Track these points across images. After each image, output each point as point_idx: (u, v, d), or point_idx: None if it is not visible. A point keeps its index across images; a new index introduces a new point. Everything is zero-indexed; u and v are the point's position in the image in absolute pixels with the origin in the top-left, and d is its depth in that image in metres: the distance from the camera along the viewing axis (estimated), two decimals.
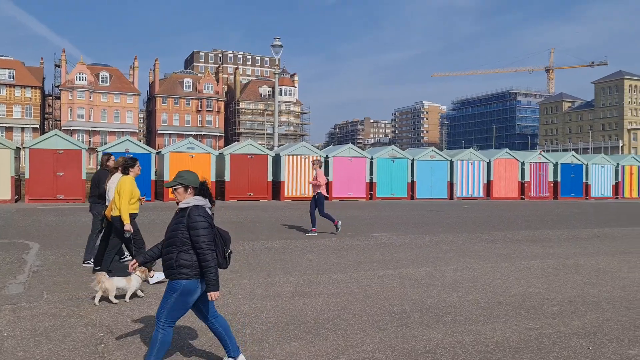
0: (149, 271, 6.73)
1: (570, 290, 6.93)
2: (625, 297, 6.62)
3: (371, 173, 24.50)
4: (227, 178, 21.97)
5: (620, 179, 29.97)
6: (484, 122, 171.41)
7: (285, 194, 22.86)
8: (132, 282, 6.13)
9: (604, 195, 29.37)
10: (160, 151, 22.74)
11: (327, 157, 23.76)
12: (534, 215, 18.13)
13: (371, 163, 24.53)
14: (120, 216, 6.85)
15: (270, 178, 22.79)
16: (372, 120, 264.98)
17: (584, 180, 28.89)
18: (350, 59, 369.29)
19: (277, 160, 23.23)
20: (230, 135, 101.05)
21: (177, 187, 3.93)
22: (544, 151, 44.70)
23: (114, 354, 4.38)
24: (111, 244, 7.17)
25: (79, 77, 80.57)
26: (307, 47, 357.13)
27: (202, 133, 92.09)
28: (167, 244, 3.89)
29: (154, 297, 6.24)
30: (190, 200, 3.90)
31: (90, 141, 78.41)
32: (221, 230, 4.04)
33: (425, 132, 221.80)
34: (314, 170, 12.72)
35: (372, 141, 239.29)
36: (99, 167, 8.73)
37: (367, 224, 14.49)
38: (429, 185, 25.57)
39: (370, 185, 24.48)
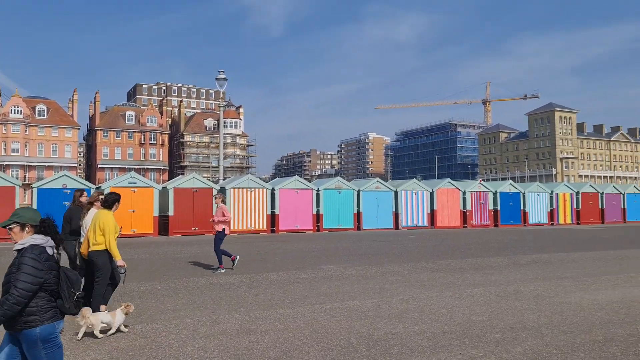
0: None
1: (512, 317, 7.10)
2: (562, 322, 6.84)
3: (318, 205, 24.59)
4: (170, 212, 21.47)
5: (554, 206, 31.35)
6: (426, 153, 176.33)
7: (232, 227, 22.53)
8: (116, 317, 6.15)
9: (540, 222, 30.59)
10: (100, 186, 22.02)
11: (273, 189, 23.69)
12: (476, 243, 18.62)
13: (318, 195, 24.63)
14: (97, 251, 6.75)
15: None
16: (318, 152, 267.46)
17: (522, 207, 30.04)
18: (295, 92, 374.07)
19: (222, 193, 22.91)
20: (175, 168, 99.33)
21: (12, 226, 3.45)
22: (483, 180, 46.33)
23: None
24: (102, 283, 6.86)
25: (14, 110, 77.48)
26: (253, 79, 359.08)
27: (146, 167, 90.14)
28: (3, 293, 3.32)
29: (134, 333, 5.95)
30: (27, 240, 3.41)
31: (25, 177, 75.06)
32: (69, 272, 3.54)
33: (370, 163, 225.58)
34: (216, 205, 11.88)
35: (319, 172, 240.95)
36: (71, 203, 8.50)
37: (314, 256, 14.43)
38: (374, 215, 25.88)
39: (317, 217, 24.53)
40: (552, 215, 31.22)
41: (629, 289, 9.31)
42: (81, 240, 7.30)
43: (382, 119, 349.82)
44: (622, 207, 34.18)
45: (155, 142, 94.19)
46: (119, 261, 6.73)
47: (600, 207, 33.22)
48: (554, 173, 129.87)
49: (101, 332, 5.99)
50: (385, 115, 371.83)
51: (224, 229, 11.74)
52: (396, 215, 26.44)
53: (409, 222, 26.69)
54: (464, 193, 28.21)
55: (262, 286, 9.49)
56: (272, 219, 23.58)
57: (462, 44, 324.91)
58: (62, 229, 7.94)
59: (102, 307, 6.78)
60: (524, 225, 29.67)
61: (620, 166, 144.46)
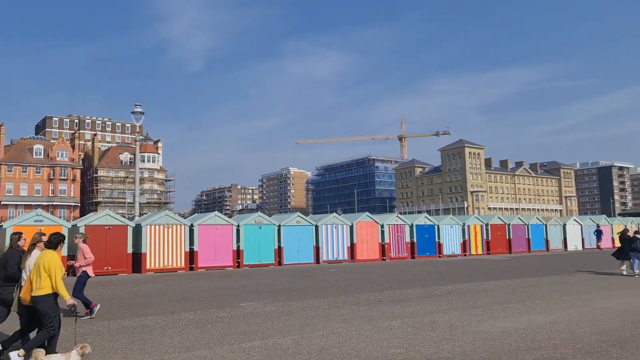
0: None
1: (428, 348, 7.28)
2: (475, 350, 7.11)
3: (238, 240, 24.23)
4: None
5: (467, 238, 32.82)
6: (346, 187, 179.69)
7: (148, 266, 21.65)
8: (71, 358, 5.96)
9: (454, 253, 31.85)
10: (2, 225, 20.53)
11: (192, 225, 23.12)
12: (394, 276, 19.04)
13: (238, 230, 24.30)
14: (42, 296, 6.36)
15: (130, 250, 21.51)
16: (239, 187, 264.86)
17: (437, 239, 31.18)
18: (216, 126, 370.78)
19: (138, 230, 22.08)
20: (88, 205, 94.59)
21: None
22: (400, 213, 47.75)
23: None
24: (48, 330, 6.42)
25: None
26: (172, 113, 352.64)
27: (55, 203, 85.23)
28: None
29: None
30: None
31: None
32: None
33: (292, 197, 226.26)
34: (78, 246, 10.84)
35: (240, 207, 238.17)
36: (7, 248, 7.82)
37: (234, 294, 14.14)
38: (296, 250, 25.85)
39: (238, 253, 24.14)
40: (464, 246, 32.63)
41: (534, 316, 9.86)
42: (22, 284, 6.82)
43: (303, 153, 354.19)
44: (526, 237, 36.36)
45: (65, 178, 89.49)
46: (69, 300, 6.46)
47: (507, 237, 35.16)
48: (466, 206, 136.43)
49: None
50: (306, 150, 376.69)
51: (85, 272, 10.71)
52: (317, 250, 26.56)
53: (330, 256, 26.89)
54: (382, 226, 28.91)
55: (179, 327, 9.14)
56: (191, 256, 22.93)
57: (379, 82, 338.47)
58: None
59: (21, 352, 6.37)
60: (439, 257, 30.76)
61: (524, 199, 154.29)
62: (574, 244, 39.48)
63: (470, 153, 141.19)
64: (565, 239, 38.97)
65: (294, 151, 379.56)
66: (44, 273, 6.40)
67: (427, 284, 15.92)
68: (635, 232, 19.31)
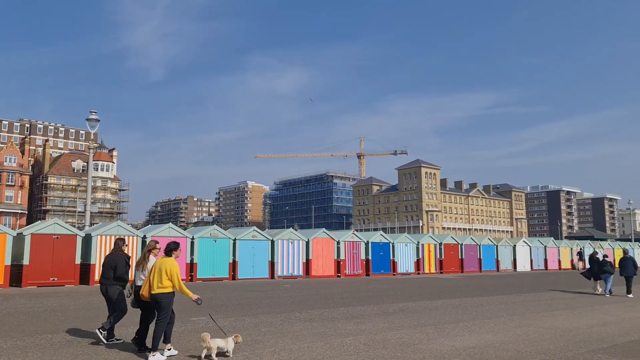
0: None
1: None
2: None
3: (192, 253, 23.83)
4: (25, 261, 19.52)
5: (420, 256, 33.31)
6: (304, 202, 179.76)
7: (96, 278, 20.97)
8: (228, 343, 7.73)
9: (407, 271, 32.25)
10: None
11: (144, 237, 22.60)
12: (348, 293, 19.09)
13: (192, 243, 23.91)
14: (164, 293, 7.64)
15: (78, 261, 20.82)
16: (195, 199, 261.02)
17: (392, 257, 31.51)
18: (174, 137, 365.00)
19: (87, 240, 21.42)
20: (36, 212, 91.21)
21: None
22: (357, 230, 48.06)
23: None
24: (162, 322, 7.73)
25: None
26: (130, 122, 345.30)
27: (0, 210, 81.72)
28: None
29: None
30: None
31: None
32: None
33: (249, 211, 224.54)
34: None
35: (196, 220, 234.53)
36: (112, 251, 9.10)
37: (185, 308, 13.84)
38: (250, 265, 25.61)
39: (191, 266, 23.72)
40: (418, 264, 33.09)
41: (483, 335, 10.07)
42: (138, 283, 8.08)
43: (262, 168, 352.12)
44: (478, 257, 37.22)
45: (13, 184, 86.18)
46: (193, 296, 7.75)
47: (460, 257, 35.88)
48: (421, 224, 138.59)
49: (217, 355, 7.50)
50: (265, 164, 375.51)
51: None
52: (272, 265, 26.39)
53: (285, 272, 26.75)
54: (338, 243, 29.01)
55: (119, 345, 8.87)
56: None
57: (340, 100, 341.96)
58: (103, 274, 8.75)
59: (166, 345, 7.84)
60: (393, 275, 31.06)
61: (477, 219, 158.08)
62: (523, 265, 40.65)
63: (426, 173, 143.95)
64: (515, 259, 40.09)
65: (253, 165, 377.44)
66: (164, 275, 7.59)
67: (381, 302, 16.03)
68: (604, 256, 21.22)
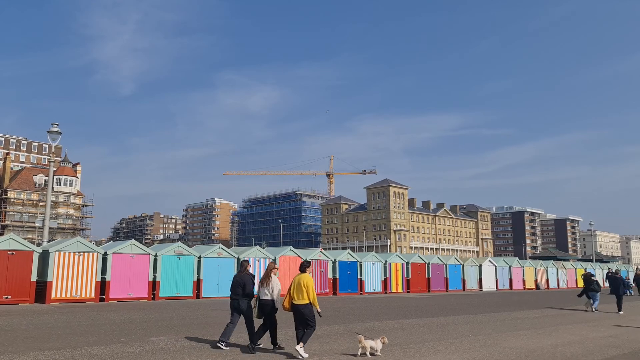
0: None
1: None
2: None
3: (155, 271, 23.19)
4: None
5: (388, 275, 33.25)
6: (272, 220, 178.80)
7: (53, 296, 20.17)
8: (377, 344, 9.49)
9: (375, 290, 32.11)
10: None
11: (106, 253, 21.90)
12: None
13: (155, 260, 23.29)
14: (304, 304, 9.19)
15: (34, 278, 19.99)
16: (162, 216, 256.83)
17: (359, 276, 31.35)
18: (142, 152, 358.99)
19: (45, 257, 20.62)
20: None
21: None
22: (325, 249, 47.82)
23: None
24: (311, 329, 9.30)
25: None
26: (96, 137, 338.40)
27: None
28: None
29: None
30: None
31: None
32: None
33: (216, 228, 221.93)
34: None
35: (162, 237, 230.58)
36: (239, 271, 10.55)
37: (145, 327, 13.37)
38: (215, 283, 25.07)
39: (154, 284, 23.06)
40: (385, 283, 33.00)
41: (449, 355, 9.95)
42: (263, 297, 9.88)
43: (231, 185, 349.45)
44: (444, 276, 37.38)
45: None
46: (318, 308, 9.30)
47: (427, 276, 35.97)
48: (389, 244, 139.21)
49: (371, 354, 9.32)
50: (234, 181, 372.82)
51: None
52: None
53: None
54: (306, 261, 28.67)
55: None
56: (102, 286, 21.63)
57: (310, 119, 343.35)
58: (234, 292, 10.24)
59: (300, 345, 9.24)
60: (361, 294, 30.87)
61: (444, 239, 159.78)
62: (489, 284, 41.01)
63: (394, 192, 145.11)
64: (480, 279, 40.42)
65: (222, 182, 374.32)
66: (303, 289, 9.21)
67: (347, 321, 15.81)
68: (591, 275, 22.66)
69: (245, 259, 11.60)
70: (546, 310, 21.61)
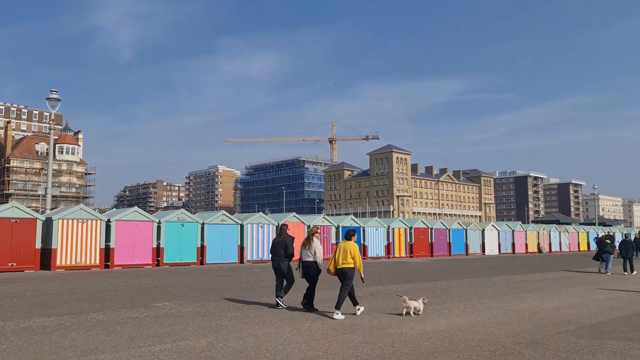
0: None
1: (347, 350, 7.11)
2: (394, 353, 7.01)
3: (159, 238, 23.28)
4: None
5: (391, 240, 33.38)
6: (275, 187, 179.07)
7: (58, 263, 20.30)
8: (420, 304, 10.09)
9: (378, 255, 32.28)
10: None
11: (109, 221, 21.94)
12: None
13: (159, 227, 23.35)
14: (348, 267, 9.90)
15: (39, 245, 20.09)
16: (165, 183, 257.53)
17: (362, 241, 31.46)
18: (144, 120, 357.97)
19: (48, 224, 20.68)
20: None
21: None
22: (328, 215, 47.91)
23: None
24: (346, 289, 9.99)
25: None
26: (97, 105, 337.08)
27: None
28: None
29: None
30: None
31: None
32: None
33: (219, 196, 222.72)
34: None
35: (165, 204, 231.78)
36: (279, 234, 11.36)
37: (150, 293, 13.44)
38: (219, 249, 25.20)
39: (158, 251, 23.18)
40: (388, 248, 33.16)
41: (453, 318, 9.97)
42: (305, 259, 10.58)
43: (233, 152, 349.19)
44: (447, 241, 37.52)
45: None
46: (362, 274, 10.31)
47: (430, 241, 36.11)
48: (392, 209, 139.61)
49: (414, 313, 10.07)
50: (236, 149, 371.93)
51: None
52: (242, 249, 26.03)
53: (255, 256, 26.44)
54: (309, 227, 28.76)
55: (84, 328, 8.46)
56: (107, 253, 21.75)
57: (312, 85, 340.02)
58: (276, 253, 10.96)
59: (355, 306, 10.30)
60: (364, 259, 31.04)
61: (447, 204, 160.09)
62: (491, 249, 41.21)
63: (397, 158, 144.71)
64: (483, 243, 40.59)
65: (224, 149, 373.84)
66: (349, 255, 9.88)
67: (328, 287, 15.85)
68: (606, 238, 23.55)
69: (284, 222, 12.97)
70: (549, 274, 21.70)
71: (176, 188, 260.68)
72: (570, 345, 7.71)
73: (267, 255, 26.89)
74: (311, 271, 10.52)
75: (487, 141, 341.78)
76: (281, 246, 10.87)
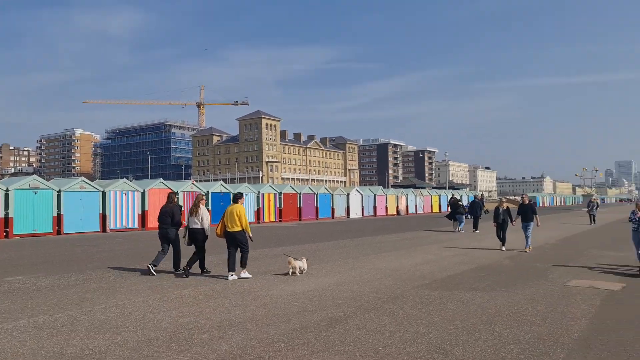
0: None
1: (219, 315, 7.16)
2: (266, 315, 7.20)
3: (7, 207, 21.18)
4: None
5: (261, 206, 33.68)
6: (140, 153, 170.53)
7: None
8: (304, 264, 10.78)
9: (250, 221, 32.39)
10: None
11: None
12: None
13: (7, 195, 21.21)
14: (238, 231, 10.20)
15: None
16: (12, 147, 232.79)
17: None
18: None
19: None
20: None
21: None
22: (196, 181, 46.91)
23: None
24: (237, 252, 10.42)
25: None
26: None
27: None
28: None
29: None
30: None
31: None
32: None
33: (77, 161, 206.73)
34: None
35: (13, 171, 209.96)
36: (167, 203, 11.33)
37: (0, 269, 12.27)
38: (79, 218, 23.60)
39: (6, 221, 21.11)
40: (258, 214, 33.46)
41: (321, 279, 10.44)
42: (192, 226, 10.76)
43: (92, 115, 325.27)
44: (315, 206, 38.79)
45: None
46: (250, 234, 10.52)
47: (298, 206, 37.04)
48: (261, 175, 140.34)
49: (300, 272, 10.68)
50: (95, 111, 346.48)
51: None
52: (104, 217, 24.62)
53: (118, 224, 25.17)
54: (177, 193, 27.96)
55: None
56: None
57: (178, 47, 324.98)
58: (163, 221, 11.03)
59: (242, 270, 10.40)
60: None
61: (314, 170, 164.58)
62: (356, 212, 43.39)
63: (267, 124, 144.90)
64: (348, 207, 42.57)
65: (81, 112, 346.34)
66: (236, 218, 10.16)
67: (221, 251, 15.82)
68: (458, 200, 26.26)
69: (173, 191, 12.78)
70: (407, 234, 23.45)
71: (25, 153, 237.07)
72: (425, 297, 8.50)
73: (133, 224, 25.78)
74: (199, 237, 10.71)
75: (353, 109, 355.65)
76: (169, 214, 11.00)
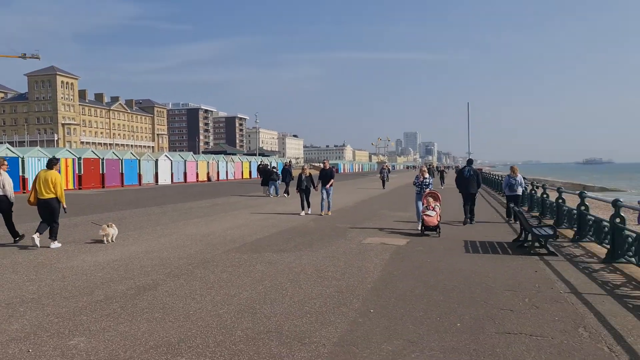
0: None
1: (9, 292, 6.46)
2: (64, 288, 6.69)
3: None
4: None
5: None
6: None
7: None
8: (115, 230, 10.71)
9: None
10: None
11: None
12: None
13: None
14: (51, 198, 9.76)
15: None
16: None
17: (21, 174, 28.03)
18: None
19: None
20: None
21: None
22: None
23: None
24: (56, 222, 10.01)
25: None
26: None
27: None
28: None
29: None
30: None
31: None
32: None
33: None
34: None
35: None
36: None
37: None
38: None
39: None
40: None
41: (127, 247, 10.00)
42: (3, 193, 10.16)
43: None
44: (120, 172, 36.53)
45: None
46: (65, 204, 9.94)
47: (101, 172, 34.51)
48: (56, 138, 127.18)
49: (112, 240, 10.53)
50: None
51: None
52: None
53: None
54: None
55: None
56: None
57: None
58: None
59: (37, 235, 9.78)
60: (24, 192, 27.78)
61: (119, 134, 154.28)
62: (165, 178, 41.98)
63: (62, 82, 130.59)
64: (157, 173, 40.97)
65: None
66: (50, 185, 9.73)
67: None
68: (265, 165, 28.53)
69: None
70: (218, 199, 23.49)
71: None
72: (235, 260, 8.70)
73: None
74: (3, 206, 10.14)
75: (162, 71, 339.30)
76: None
